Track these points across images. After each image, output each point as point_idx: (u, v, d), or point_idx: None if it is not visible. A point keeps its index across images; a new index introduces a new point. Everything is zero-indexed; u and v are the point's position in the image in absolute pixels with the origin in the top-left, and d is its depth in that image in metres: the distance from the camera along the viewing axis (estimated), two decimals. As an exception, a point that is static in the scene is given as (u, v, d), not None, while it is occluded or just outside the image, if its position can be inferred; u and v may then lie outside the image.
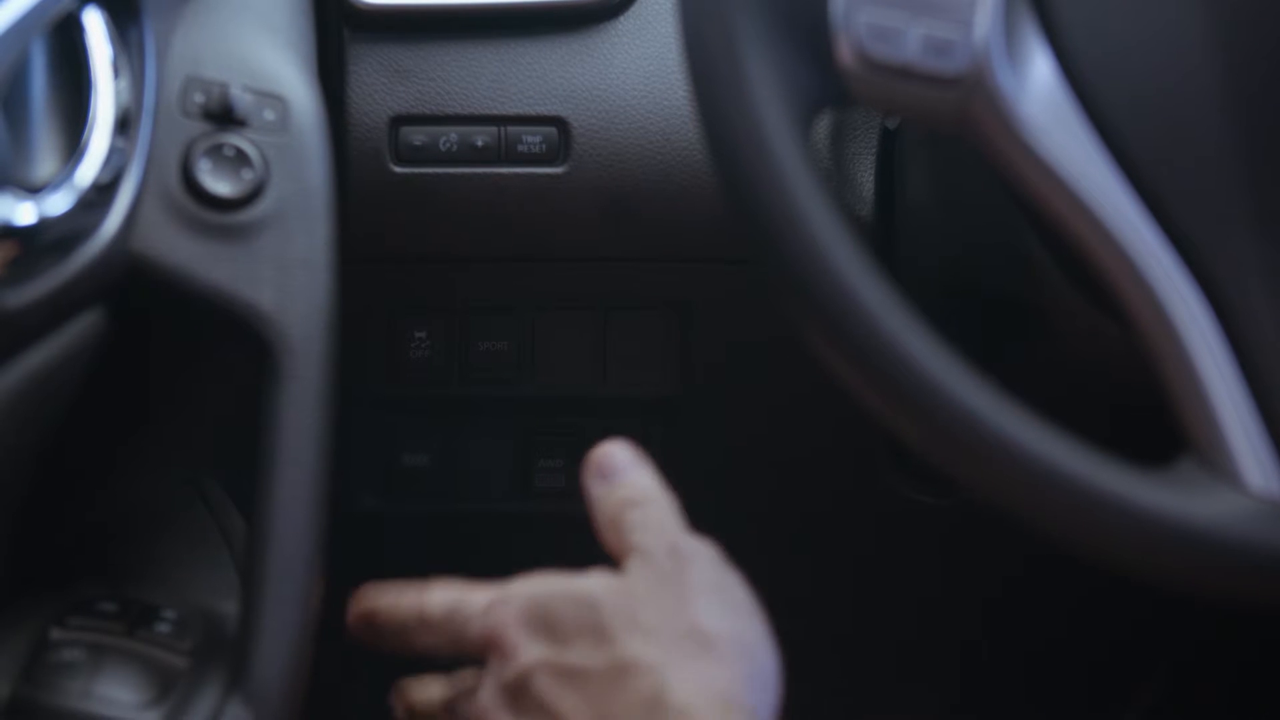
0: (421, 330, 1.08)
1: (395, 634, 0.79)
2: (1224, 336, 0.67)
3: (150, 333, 0.83)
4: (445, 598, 0.78)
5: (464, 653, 0.77)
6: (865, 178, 1.05)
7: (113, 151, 0.73)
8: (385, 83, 1.01)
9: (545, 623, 0.73)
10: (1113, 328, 0.74)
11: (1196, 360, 0.67)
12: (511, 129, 1.02)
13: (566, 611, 0.72)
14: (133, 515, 0.89)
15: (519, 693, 0.72)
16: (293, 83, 0.83)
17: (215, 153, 0.78)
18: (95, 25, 0.74)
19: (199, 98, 0.79)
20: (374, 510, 1.15)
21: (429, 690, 0.82)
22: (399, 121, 1.01)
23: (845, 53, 0.68)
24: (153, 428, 0.91)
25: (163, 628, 0.79)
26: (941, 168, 1.01)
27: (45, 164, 0.69)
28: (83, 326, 0.74)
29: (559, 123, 1.02)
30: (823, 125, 1.06)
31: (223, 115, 0.79)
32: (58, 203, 0.69)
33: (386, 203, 1.01)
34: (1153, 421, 0.70)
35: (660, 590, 0.73)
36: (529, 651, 0.72)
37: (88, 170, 0.71)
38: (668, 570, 0.73)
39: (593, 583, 0.74)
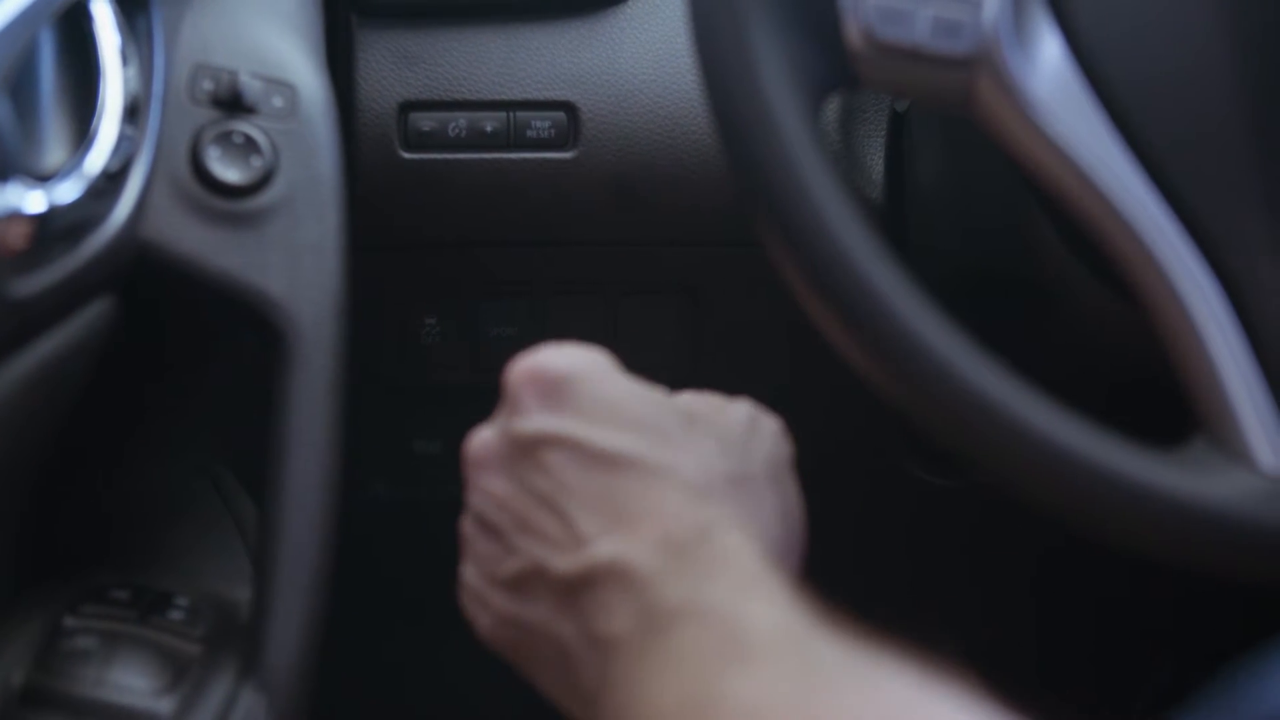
0: (432, 316, 1.08)
1: None
2: (1235, 316, 0.67)
3: (161, 320, 0.83)
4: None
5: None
6: (875, 160, 1.05)
7: (122, 139, 0.73)
8: (394, 69, 1.01)
9: (581, 396, 0.69)
10: (1124, 308, 0.74)
11: (1208, 340, 0.67)
12: (520, 114, 1.02)
13: (619, 396, 0.70)
14: (145, 503, 0.89)
15: (523, 453, 0.69)
16: (301, 70, 0.83)
17: (224, 140, 0.78)
18: (103, 13, 0.74)
19: (208, 85, 0.79)
20: (386, 497, 1.16)
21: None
22: (408, 108, 1.01)
23: (854, 35, 0.68)
24: (164, 415, 0.91)
25: (175, 615, 0.79)
26: (951, 150, 1.01)
27: (55, 152, 0.70)
28: (93, 314, 0.74)
29: (568, 108, 1.02)
30: (832, 108, 1.05)
31: (232, 102, 0.79)
32: (67, 191, 0.69)
33: (396, 189, 1.01)
34: (1165, 402, 0.70)
35: (729, 438, 0.71)
36: (549, 418, 0.69)
37: (97, 158, 0.71)
38: (743, 430, 0.73)
39: (653, 391, 0.71)
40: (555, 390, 0.70)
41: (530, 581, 0.68)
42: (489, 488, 0.70)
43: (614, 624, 0.64)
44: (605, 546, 0.65)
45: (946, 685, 0.55)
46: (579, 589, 0.66)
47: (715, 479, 0.69)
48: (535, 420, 0.69)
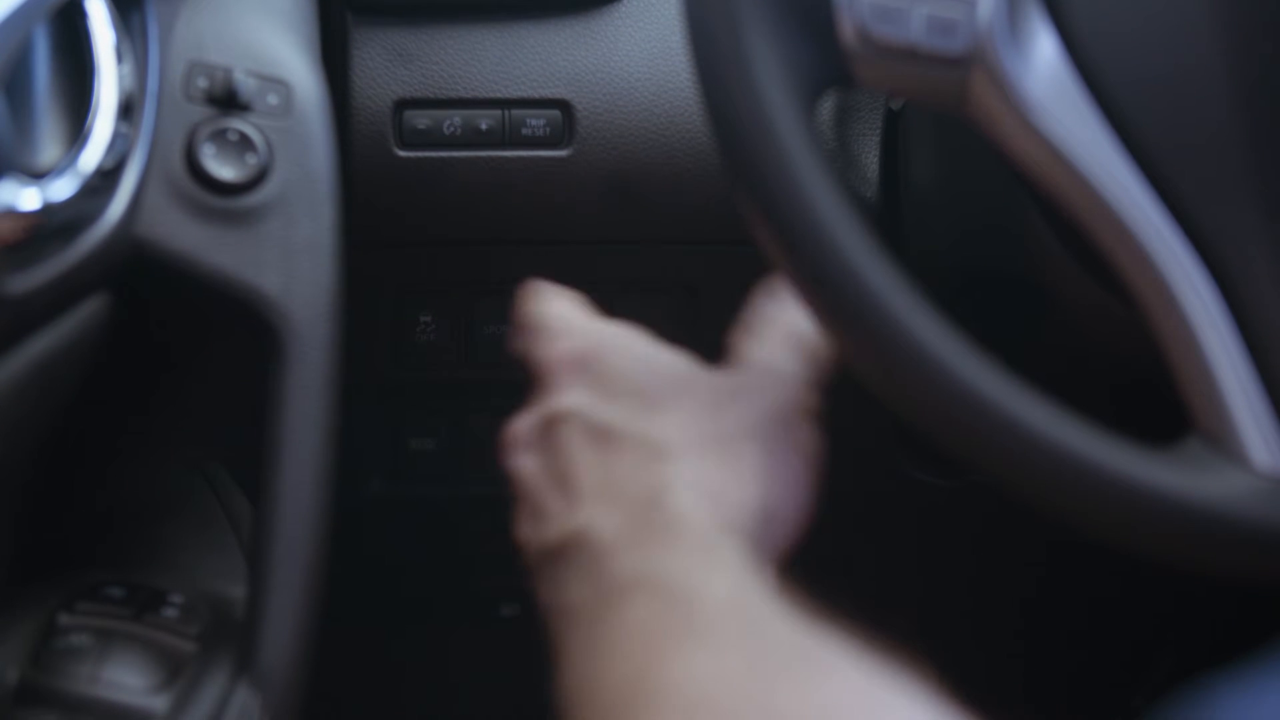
0: (426, 314, 1.08)
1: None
2: (1230, 316, 0.67)
3: (155, 318, 0.83)
4: (552, 310, 0.79)
5: (531, 371, 0.77)
6: (869, 159, 1.05)
7: (116, 137, 0.73)
8: (389, 66, 1.01)
9: (599, 373, 0.73)
10: (1118, 307, 0.74)
11: (1202, 340, 0.67)
12: (515, 112, 1.02)
13: (625, 369, 0.73)
14: (140, 501, 0.89)
15: (547, 431, 0.72)
16: (296, 67, 0.83)
17: (219, 137, 0.78)
18: (98, 10, 0.74)
19: (202, 82, 0.79)
20: (381, 494, 1.16)
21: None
22: (403, 105, 1.01)
23: (848, 33, 0.68)
24: (159, 413, 0.91)
25: (170, 612, 0.79)
26: (946, 148, 1.01)
27: (49, 150, 0.69)
28: (87, 312, 0.74)
29: (563, 106, 1.02)
30: (827, 107, 1.05)
31: (226, 100, 0.79)
32: (62, 188, 0.69)
33: (390, 187, 1.01)
34: (1159, 400, 0.70)
35: (727, 396, 0.72)
36: (571, 396, 0.73)
37: (91, 156, 0.71)
38: (750, 385, 0.73)
39: (669, 357, 0.74)
40: (578, 367, 0.74)
41: (539, 562, 0.70)
42: (517, 468, 0.74)
43: (574, 593, 0.66)
44: (578, 517, 0.68)
45: (898, 675, 0.55)
46: (555, 560, 0.68)
47: (690, 441, 0.69)
48: (556, 400, 0.73)
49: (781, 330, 0.76)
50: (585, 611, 0.64)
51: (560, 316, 0.78)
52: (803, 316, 0.75)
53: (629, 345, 0.74)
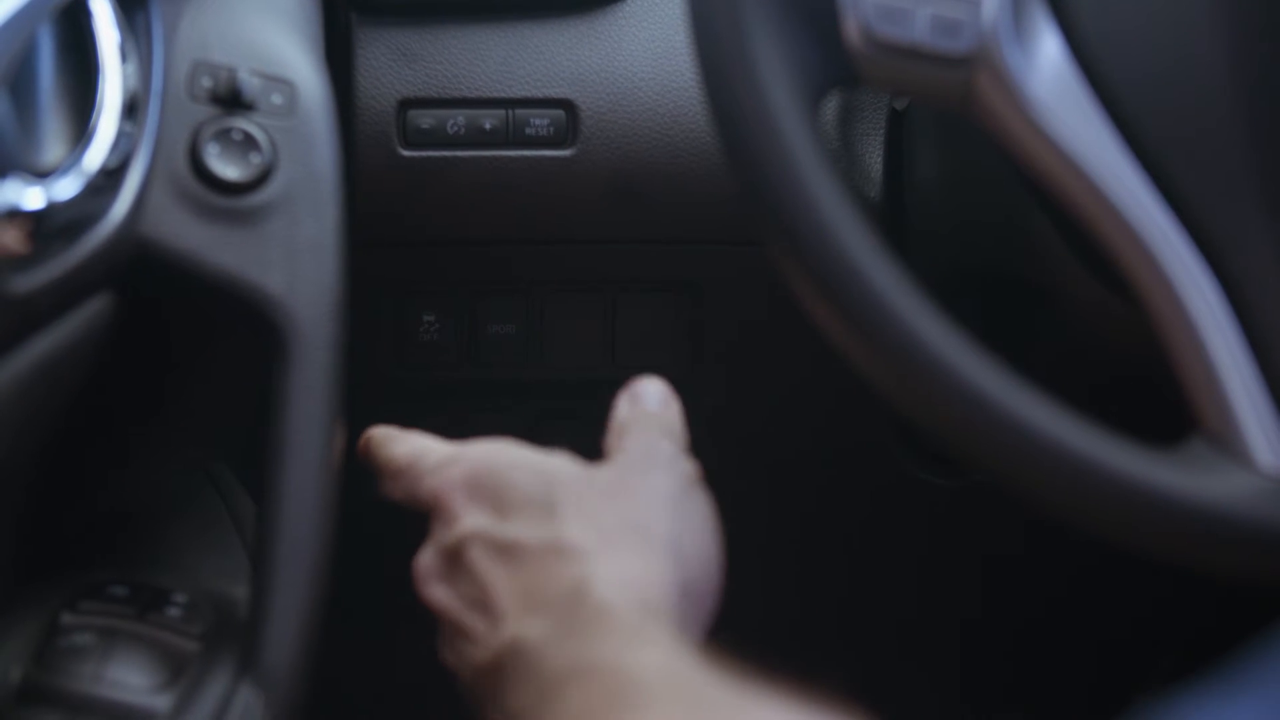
0: (430, 314, 1.08)
1: (376, 474, 0.80)
2: (1234, 316, 0.67)
3: (159, 318, 0.83)
4: (408, 448, 0.78)
5: (418, 507, 0.77)
6: (873, 158, 1.05)
7: (120, 136, 0.73)
8: (393, 66, 1.01)
9: (493, 491, 0.73)
10: (1122, 307, 0.74)
11: (1206, 340, 0.67)
12: (519, 112, 1.02)
13: (518, 482, 0.73)
14: (144, 500, 0.89)
15: (454, 558, 0.72)
16: (300, 67, 0.83)
17: (223, 137, 0.78)
18: (102, 10, 0.74)
19: (207, 82, 0.79)
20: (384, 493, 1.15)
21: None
22: (407, 105, 1.01)
23: (853, 33, 0.68)
24: (163, 413, 0.91)
25: (174, 612, 0.79)
26: (949, 148, 1.01)
27: (53, 149, 0.69)
28: (91, 312, 0.74)
29: (567, 105, 1.02)
30: (831, 106, 1.05)
31: (230, 99, 0.79)
32: (66, 187, 0.69)
33: (394, 186, 1.01)
34: (1162, 400, 0.70)
35: (619, 486, 0.73)
36: (470, 519, 0.72)
37: (96, 155, 0.71)
38: (636, 470, 0.74)
39: (556, 462, 0.74)
40: (470, 490, 0.74)
41: (476, 684, 0.71)
42: (433, 600, 0.74)
43: (513, 699, 0.66)
44: (505, 632, 0.68)
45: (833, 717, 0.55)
46: (490, 676, 0.68)
47: (597, 538, 0.70)
48: (455, 527, 0.73)
49: (645, 420, 0.77)
50: (528, 713, 0.65)
51: (423, 450, 0.78)
52: (661, 405, 0.77)
53: (514, 458, 0.75)
